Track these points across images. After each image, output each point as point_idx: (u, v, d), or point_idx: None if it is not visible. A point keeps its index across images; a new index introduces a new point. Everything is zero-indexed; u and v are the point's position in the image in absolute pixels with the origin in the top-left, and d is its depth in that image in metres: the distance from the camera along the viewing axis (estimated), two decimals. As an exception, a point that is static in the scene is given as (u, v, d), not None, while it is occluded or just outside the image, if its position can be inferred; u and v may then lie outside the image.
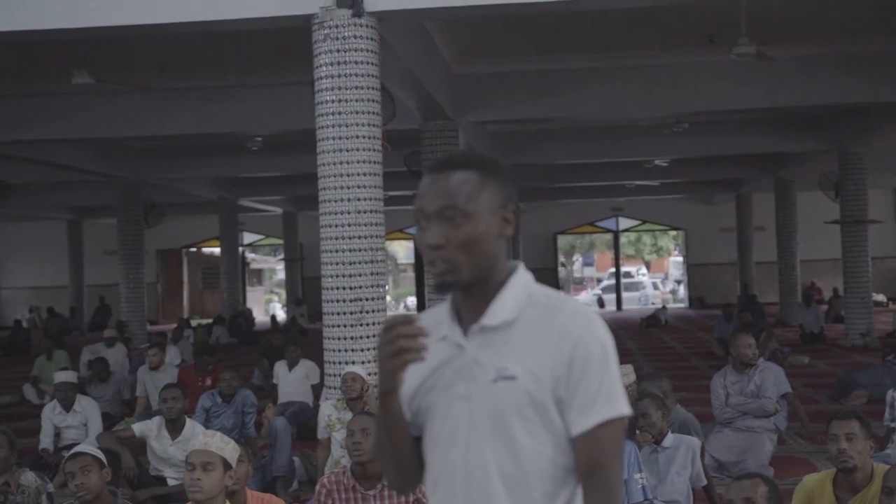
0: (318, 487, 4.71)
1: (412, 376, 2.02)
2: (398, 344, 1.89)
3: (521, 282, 2.04)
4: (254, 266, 39.60)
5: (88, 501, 4.31)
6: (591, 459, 1.93)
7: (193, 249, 32.44)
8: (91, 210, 26.34)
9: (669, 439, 5.70)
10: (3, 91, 12.30)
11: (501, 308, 1.99)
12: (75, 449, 4.51)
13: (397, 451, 2.07)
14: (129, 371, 11.60)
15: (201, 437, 3.88)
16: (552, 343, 1.94)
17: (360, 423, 4.77)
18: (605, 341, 1.99)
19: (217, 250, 26.76)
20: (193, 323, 22.94)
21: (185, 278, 32.01)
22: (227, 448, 3.84)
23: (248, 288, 33.96)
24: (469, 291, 2.01)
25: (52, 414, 7.91)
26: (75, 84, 9.93)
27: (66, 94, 11.85)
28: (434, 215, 1.97)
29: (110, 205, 19.41)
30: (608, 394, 1.95)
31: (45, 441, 7.83)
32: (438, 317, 2.08)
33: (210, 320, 23.03)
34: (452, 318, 2.04)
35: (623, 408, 1.97)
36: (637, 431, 5.78)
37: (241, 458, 4.02)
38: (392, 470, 2.11)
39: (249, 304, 29.45)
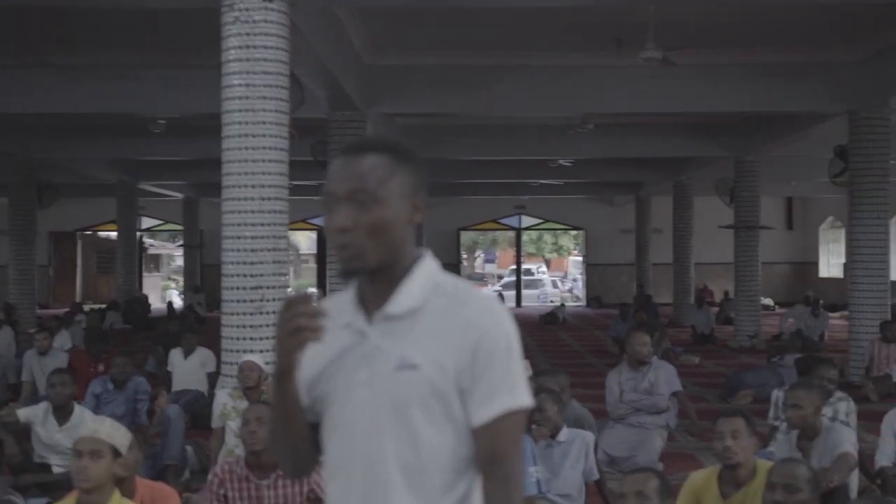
0: (210, 477, 4.64)
1: (313, 362, 1.99)
2: (296, 322, 1.86)
3: (428, 270, 2.02)
4: (152, 252, 38.77)
5: (-33, 487, 4.14)
6: (491, 450, 1.93)
7: (89, 233, 31.58)
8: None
9: (564, 434, 5.77)
10: None
11: (407, 296, 1.98)
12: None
13: (292, 435, 2.03)
14: (15, 355, 11.22)
15: (90, 424, 3.78)
16: (457, 333, 1.93)
17: (255, 413, 4.71)
18: (510, 333, 1.99)
19: (114, 234, 26.11)
20: (86, 308, 22.35)
21: (79, 262, 31.14)
22: (117, 435, 3.74)
23: (146, 274, 33.24)
24: (374, 278, 1.98)
25: (-68, 397, 7.60)
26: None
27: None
28: (343, 198, 1.94)
29: (3, 183, 18.72)
30: (511, 385, 1.95)
31: (-76, 425, 7.50)
32: (342, 303, 2.05)
33: (104, 305, 22.45)
34: (356, 305, 2.02)
35: (524, 399, 1.97)
36: (533, 426, 5.83)
37: (132, 446, 3.92)
38: (286, 455, 2.08)
39: (146, 290, 28.81)
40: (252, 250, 7.12)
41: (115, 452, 3.71)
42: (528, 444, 5.21)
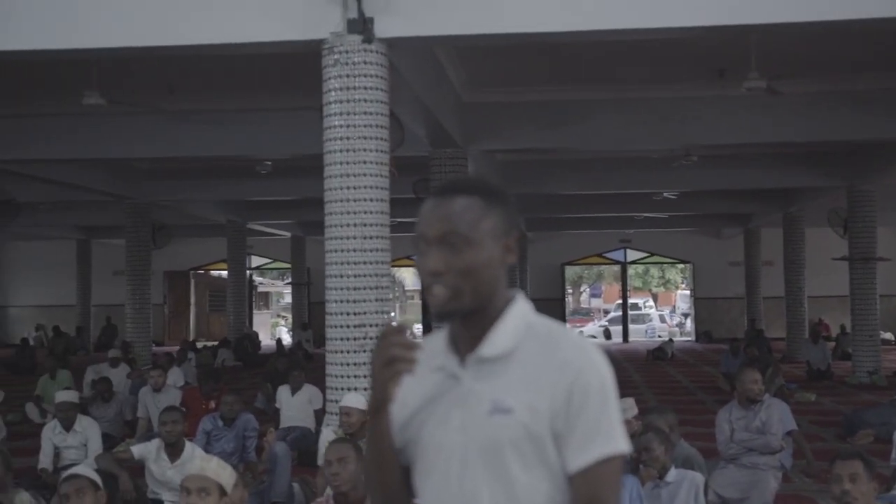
0: None
1: (405, 404, 1.98)
2: (391, 352, 1.85)
3: (521, 312, 2.00)
4: (261, 290, 39.61)
5: (82, 524, 4.26)
6: (588, 498, 1.88)
7: (201, 272, 32.46)
8: (100, 230, 26.39)
9: (672, 474, 5.63)
10: (14, 110, 12.37)
11: (500, 338, 1.95)
12: (71, 470, 4.47)
13: (385, 474, 2.02)
14: (129, 392, 11.55)
15: (198, 462, 3.85)
16: (551, 376, 1.90)
17: (337, 453, 4.65)
18: (605, 376, 1.94)
19: (225, 273, 26.77)
20: (199, 345, 22.92)
21: (192, 300, 32.01)
22: (224, 473, 3.80)
23: (255, 311, 33.95)
24: (467, 320, 1.96)
25: (52, 434, 7.86)
26: (86, 105, 9.97)
27: (75, 114, 11.89)
28: (435, 241, 1.93)
29: (119, 225, 19.45)
30: (608, 430, 1.90)
31: (45, 461, 7.78)
32: (434, 346, 2.03)
33: (216, 343, 23.01)
34: (449, 348, 2.00)
35: (622, 445, 1.92)
36: (640, 466, 5.71)
37: (237, 484, 3.97)
38: (378, 496, 2.06)
39: (256, 327, 29.43)
40: (354, 288, 7.19)
41: (222, 490, 3.77)
42: (635, 486, 5.11)
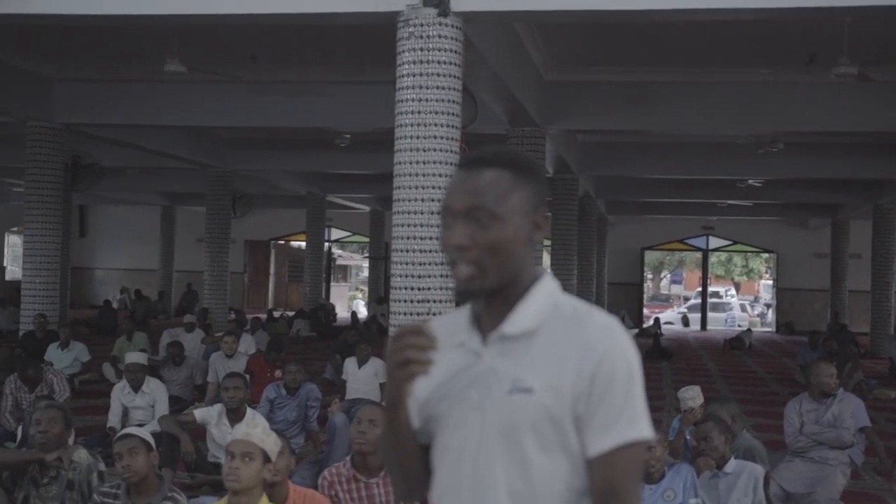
0: (319, 481, 4.68)
1: (426, 382, 1.93)
2: (404, 354, 1.81)
3: (547, 290, 1.94)
4: (340, 262, 39.99)
5: (134, 483, 4.32)
6: (606, 484, 1.83)
7: (282, 242, 32.90)
8: (184, 197, 26.91)
9: (731, 465, 5.51)
10: (99, 75, 12.62)
11: (523, 316, 1.90)
12: (124, 430, 4.54)
13: (404, 460, 1.99)
14: (203, 357, 11.75)
15: (243, 427, 3.87)
16: (575, 357, 1.84)
17: (369, 414, 4.70)
18: (632, 359, 1.87)
19: (304, 244, 27.10)
20: (277, 314, 23.25)
21: (272, 270, 32.48)
22: (269, 440, 3.81)
23: (333, 284, 34.29)
24: (491, 297, 1.91)
25: (121, 394, 8.03)
26: (168, 71, 10.11)
27: (159, 81, 12.10)
28: (461, 214, 1.87)
29: (201, 192, 19.79)
30: (631, 415, 1.84)
31: (113, 420, 7.95)
32: (457, 322, 1.99)
33: (293, 312, 23.33)
34: (471, 324, 1.95)
35: (645, 431, 1.85)
36: (699, 455, 5.60)
37: (283, 452, 3.99)
38: (398, 479, 2.03)
39: (334, 299, 29.72)
40: (420, 263, 7.17)
41: (266, 457, 3.79)
42: (690, 474, 5.01)
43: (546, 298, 1.92)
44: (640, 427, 1.83)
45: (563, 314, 1.90)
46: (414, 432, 1.96)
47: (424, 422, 1.98)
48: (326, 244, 27.02)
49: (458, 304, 1.92)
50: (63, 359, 11.58)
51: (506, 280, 1.88)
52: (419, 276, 7.18)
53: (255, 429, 3.85)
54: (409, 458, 1.98)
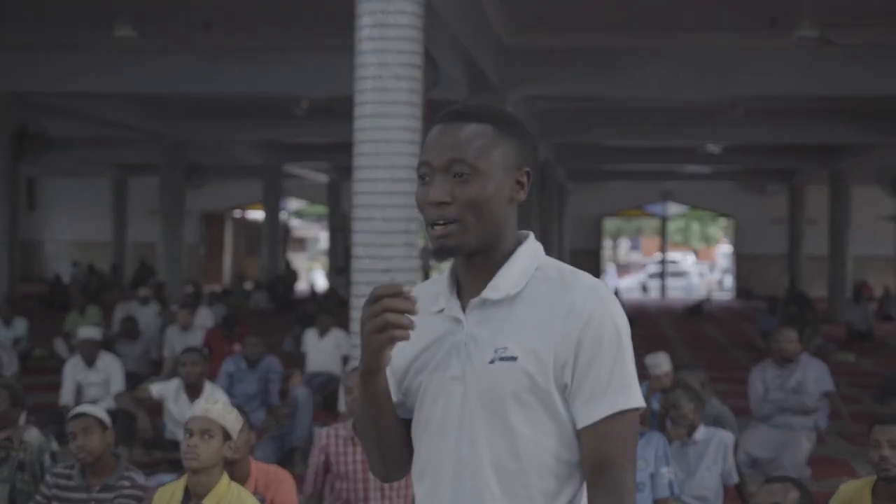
0: (315, 438, 4.58)
1: (403, 353, 1.81)
2: (384, 318, 1.67)
3: (530, 253, 1.81)
4: (298, 233, 39.66)
5: (89, 463, 4.15)
6: (598, 455, 1.72)
7: (238, 214, 32.51)
8: (136, 168, 26.40)
9: (701, 433, 5.44)
10: (46, 40, 12.22)
11: (505, 281, 1.77)
12: (78, 409, 4.35)
13: (382, 435, 1.85)
14: (160, 331, 11.52)
15: (202, 403, 3.70)
16: (559, 322, 1.72)
17: (356, 379, 4.56)
18: (620, 323, 1.75)
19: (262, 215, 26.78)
20: (249, 286, 22.93)
21: (229, 242, 32.10)
22: (229, 417, 3.65)
23: (292, 255, 33.99)
24: (471, 260, 1.79)
25: (74, 369, 7.79)
26: (118, 37, 9.81)
27: (109, 47, 11.76)
28: (439, 169, 1.75)
29: (154, 163, 19.41)
30: (620, 382, 1.73)
31: (66, 397, 7.71)
32: (436, 288, 1.86)
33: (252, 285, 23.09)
34: (451, 290, 1.83)
35: (636, 399, 1.74)
36: (668, 423, 5.52)
37: (243, 429, 3.83)
38: (375, 455, 1.89)
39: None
40: (383, 232, 7.00)
41: (226, 435, 3.63)
42: (662, 443, 4.93)
43: (529, 261, 1.80)
44: (631, 395, 1.74)
45: (546, 277, 1.78)
46: (392, 404, 1.83)
47: (403, 395, 1.85)
48: (285, 214, 26.70)
49: (436, 261, 1.78)
50: (6, 335, 11.27)
51: (486, 240, 1.76)
52: (381, 245, 7.00)
53: (215, 405, 3.68)
54: (388, 433, 1.84)
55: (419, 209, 1.78)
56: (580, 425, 1.72)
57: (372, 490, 4.39)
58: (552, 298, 1.74)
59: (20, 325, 11.63)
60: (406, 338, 1.69)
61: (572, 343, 1.71)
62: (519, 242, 1.81)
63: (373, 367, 1.74)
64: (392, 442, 1.86)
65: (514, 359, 1.72)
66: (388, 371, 1.81)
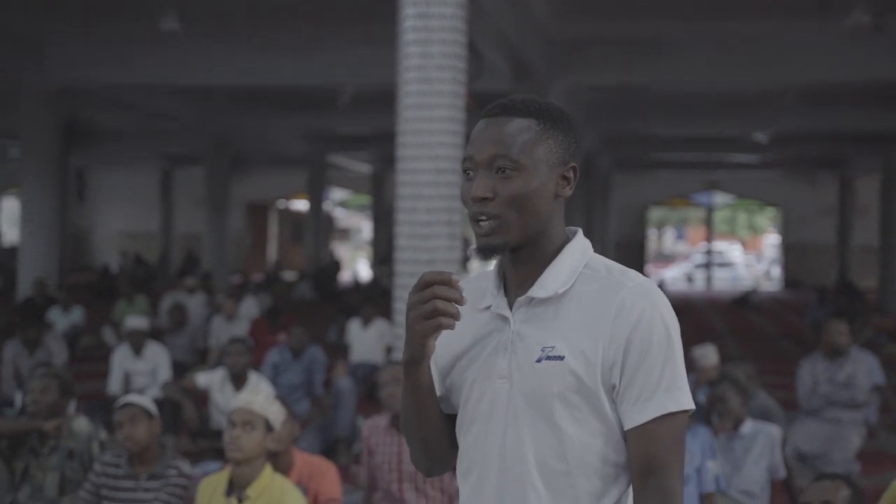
0: (364, 432, 4.64)
1: (449, 348, 1.80)
2: (432, 305, 1.66)
3: (578, 250, 1.79)
4: (342, 223, 39.82)
5: (135, 452, 4.19)
6: (645, 457, 1.69)
7: (283, 204, 32.69)
8: (182, 158, 26.61)
9: (748, 427, 5.37)
10: (94, 34, 12.35)
11: (553, 279, 1.75)
12: (125, 399, 4.38)
13: (424, 428, 1.83)
14: (206, 320, 11.61)
15: (245, 395, 3.72)
16: (608, 322, 1.70)
17: (392, 373, 4.60)
18: (670, 323, 1.72)
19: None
20: (291, 276, 23.02)
21: (274, 231, 32.31)
22: (271, 409, 3.66)
23: (336, 245, 34.14)
24: (518, 257, 1.77)
25: (121, 359, 7.88)
26: (164, 30, 9.87)
27: (155, 40, 11.85)
28: (483, 165, 1.74)
29: (200, 154, 19.57)
30: (670, 384, 1.70)
31: (114, 386, 7.81)
32: (482, 284, 1.85)
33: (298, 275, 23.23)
34: (498, 287, 1.81)
35: (686, 402, 1.71)
36: (714, 417, 5.46)
37: (286, 421, 3.84)
38: (418, 449, 1.88)
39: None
40: (425, 224, 6.98)
41: (268, 426, 3.64)
42: (708, 437, 4.88)
43: (577, 259, 1.77)
44: (680, 397, 1.71)
45: (595, 275, 1.76)
46: (436, 397, 1.82)
47: (447, 391, 1.83)
48: (330, 203, 26.80)
49: (480, 260, 1.76)
50: (64, 322, 11.44)
51: (530, 236, 1.74)
52: (424, 237, 6.99)
53: (258, 396, 3.70)
54: (432, 427, 1.82)
55: (463, 204, 1.77)
56: (628, 427, 1.70)
57: (406, 482, 4.40)
58: (601, 297, 1.71)
59: (77, 313, 11.79)
60: (452, 326, 1.68)
61: (621, 343, 1.68)
62: (567, 239, 1.79)
63: (417, 355, 1.73)
64: (435, 435, 1.84)
65: (561, 358, 1.70)
66: (433, 365, 1.80)
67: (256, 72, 12.89)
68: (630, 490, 1.72)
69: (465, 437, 1.80)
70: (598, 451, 1.70)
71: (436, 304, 1.65)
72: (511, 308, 1.77)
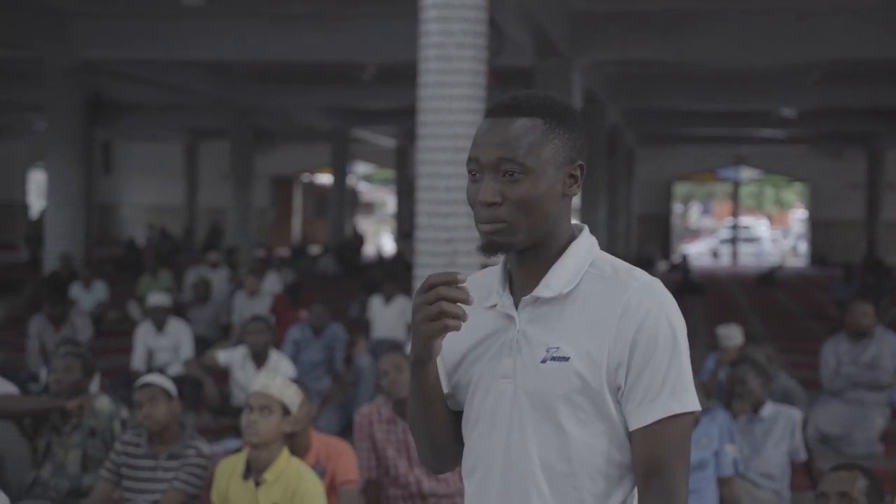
0: (357, 418, 4.54)
1: (455, 346, 1.79)
2: (438, 306, 1.65)
3: (584, 248, 1.77)
4: (366, 197, 39.85)
5: (155, 432, 4.22)
6: (650, 458, 1.68)
7: (307, 178, 32.74)
8: (207, 133, 26.73)
9: (768, 409, 5.33)
10: (117, 9, 12.37)
11: (558, 278, 1.74)
12: (144, 379, 4.42)
13: (432, 426, 1.83)
14: (229, 295, 11.66)
15: (262, 378, 3.73)
16: (614, 322, 1.69)
17: (392, 361, 4.54)
18: (676, 324, 1.70)
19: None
20: (316, 250, 23.05)
21: (298, 206, 32.38)
22: (288, 392, 3.68)
23: (360, 219, 34.19)
24: (523, 256, 1.75)
25: (144, 335, 7.94)
26: (186, 6, 9.87)
27: (177, 16, 11.86)
28: (489, 168, 1.72)
29: (224, 128, 19.63)
30: (675, 385, 1.69)
31: (138, 362, 7.87)
32: (489, 281, 1.83)
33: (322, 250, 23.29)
34: (504, 285, 1.80)
35: (691, 403, 1.70)
36: (734, 399, 5.43)
37: (303, 403, 3.85)
38: (426, 447, 1.88)
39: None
40: (445, 202, 6.97)
41: (285, 409, 3.66)
42: (726, 421, 4.85)
43: (582, 258, 1.76)
44: (686, 398, 1.69)
45: (601, 274, 1.74)
46: (443, 395, 1.81)
47: (453, 388, 1.83)
48: (354, 178, 26.81)
49: (485, 256, 1.75)
50: (87, 298, 11.52)
51: (538, 238, 1.73)
52: (444, 216, 6.98)
53: (274, 380, 3.71)
54: (438, 425, 1.82)
55: (470, 205, 1.75)
56: (632, 427, 1.69)
57: (418, 466, 4.36)
58: (606, 297, 1.70)
59: (100, 288, 11.79)
60: (458, 328, 1.67)
61: (627, 343, 1.67)
62: (573, 236, 1.77)
63: (423, 356, 1.73)
64: (442, 433, 1.84)
65: (566, 359, 1.69)
66: (440, 362, 1.80)
67: (278, 47, 12.87)
68: (635, 491, 1.72)
69: (470, 435, 1.80)
70: (602, 452, 1.70)
71: (441, 305, 1.65)
72: (517, 307, 1.75)
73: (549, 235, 1.74)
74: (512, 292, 1.78)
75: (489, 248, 1.73)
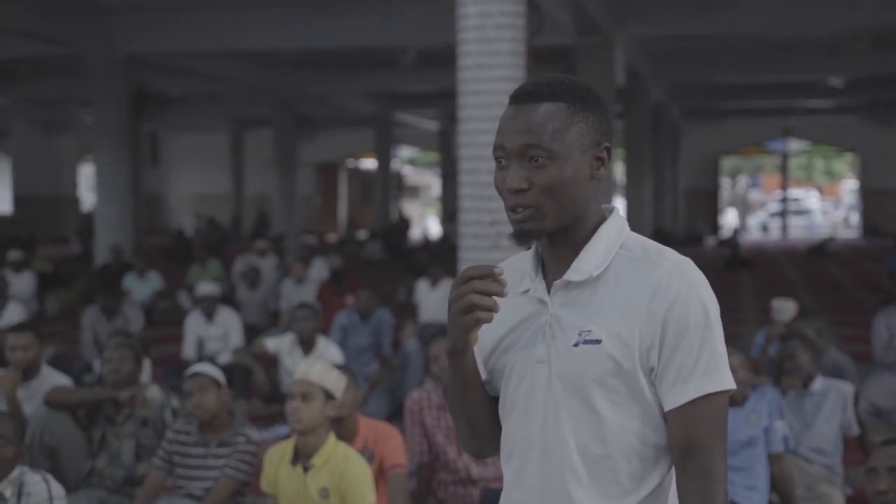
0: (407, 403, 4.58)
1: (490, 332, 1.80)
2: (470, 299, 1.66)
3: (614, 230, 1.77)
4: (411, 181, 39.90)
5: (205, 420, 4.29)
6: (686, 439, 1.68)
7: (352, 163, 32.85)
8: (251, 121, 26.93)
9: (818, 384, 5.28)
10: (159, 4, 12.48)
11: (588, 261, 1.74)
12: (194, 368, 4.48)
13: (471, 412, 1.85)
14: (276, 283, 11.76)
15: (303, 366, 3.77)
16: (644, 303, 1.69)
17: (443, 346, 4.55)
18: (708, 303, 1.70)
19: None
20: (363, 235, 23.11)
21: (343, 191, 32.51)
22: (329, 377, 3.71)
23: (405, 202, 34.26)
24: (554, 240, 1.76)
25: (194, 324, 8.05)
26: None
27: (218, 7, 11.94)
28: (515, 154, 1.72)
29: (268, 116, 19.76)
30: (708, 364, 1.69)
31: (189, 351, 7.98)
32: (521, 267, 1.84)
33: (366, 233, 23.38)
34: (536, 270, 1.81)
35: (726, 381, 1.70)
36: (783, 374, 5.38)
37: (348, 388, 3.88)
38: (466, 432, 1.90)
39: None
40: (488, 184, 6.95)
41: (327, 395, 3.69)
42: (776, 397, 4.81)
43: (613, 240, 1.76)
44: (719, 377, 1.69)
45: (631, 256, 1.74)
46: (481, 382, 1.83)
47: (489, 374, 1.85)
48: (398, 162, 26.86)
49: (516, 244, 1.76)
50: (142, 288, 11.67)
51: (566, 222, 1.73)
52: (487, 198, 6.97)
53: (314, 367, 3.74)
54: (477, 411, 1.84)
55: (498, 192, 1.75)
56: (667, 408, 1.69)
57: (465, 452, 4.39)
58: (637, 278, 1.70)
59: (155, 278, 11.96)
60: (490, 320, 1.68)
61: (658, 324, 1.67)
62: (603, 218, 1.77)
63: (459, 347, 1.74)
64: (481, 419, 1.86)
65: (598, 342, 1.69)
66: (476, 350, 1.81)
67: (320, 34, 12.92)
68: (672, 472, 1.72)
69: (507, 420, 1.82)
70: (637, 434, 1.70)
71: (473, 298, 1.66)
72: (549, 291, 1.76)
73: (578, 219, 1.74)
74: (544, 276, 1.78)
75: (520, 235, 1.74)
